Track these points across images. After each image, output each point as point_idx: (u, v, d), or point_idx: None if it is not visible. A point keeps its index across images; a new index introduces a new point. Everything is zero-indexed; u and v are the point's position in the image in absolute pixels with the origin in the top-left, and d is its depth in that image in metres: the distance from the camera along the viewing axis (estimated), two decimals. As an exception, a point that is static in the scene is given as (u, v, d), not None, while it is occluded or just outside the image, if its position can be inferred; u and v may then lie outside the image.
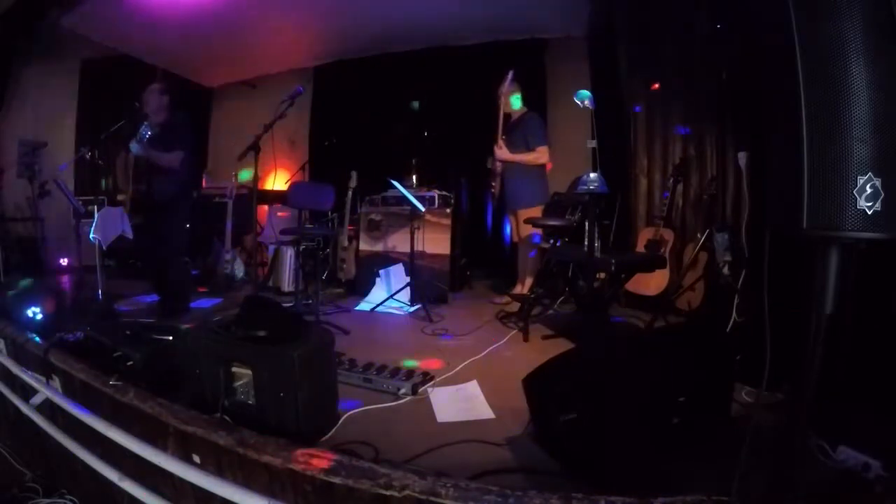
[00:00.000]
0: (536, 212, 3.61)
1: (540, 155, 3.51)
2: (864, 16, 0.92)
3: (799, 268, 1.15)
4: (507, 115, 3.66)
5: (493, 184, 3.82)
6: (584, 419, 1.45)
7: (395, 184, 3.68)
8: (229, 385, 1.66)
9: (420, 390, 2.04)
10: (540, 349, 2.61)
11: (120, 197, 4.15)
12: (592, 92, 2.44)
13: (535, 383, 1.65)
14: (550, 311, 3.33)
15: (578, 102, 2.46)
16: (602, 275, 2.87)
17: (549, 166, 3.64)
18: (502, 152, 3.58)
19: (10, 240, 4.41)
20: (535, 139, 3.51)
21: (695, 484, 1.11)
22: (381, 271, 3.95)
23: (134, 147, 3.10)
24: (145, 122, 3.14)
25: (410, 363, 2.35)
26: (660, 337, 2.34)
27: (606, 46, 4.10)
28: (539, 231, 3.58)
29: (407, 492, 1.13)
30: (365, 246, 4.27)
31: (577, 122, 4.16)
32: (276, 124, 3.02)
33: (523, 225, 3.59)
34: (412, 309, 3.60)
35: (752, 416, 1.57)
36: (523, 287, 3.64)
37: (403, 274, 3.82)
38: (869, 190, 0.92)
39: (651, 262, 2.98)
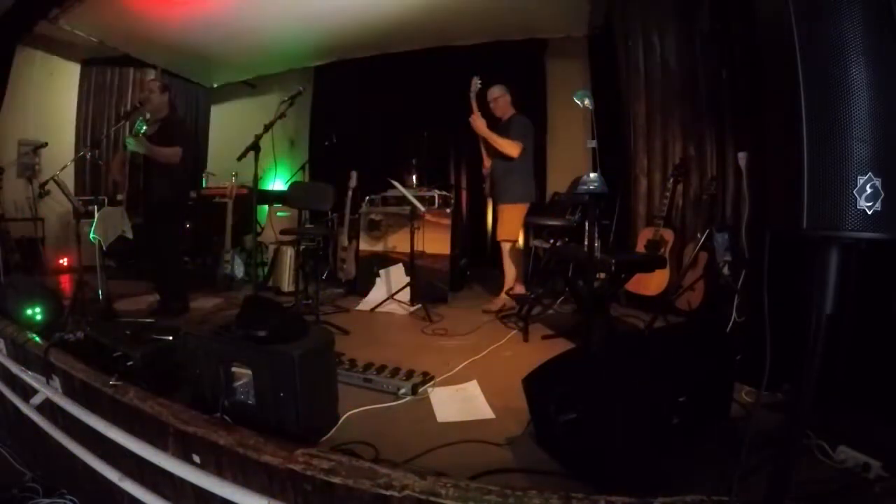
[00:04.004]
0: (520, 210, 3.58)
1: (512, 145, 3.46)
2: (864, 16, 0.92)
3: (799, 268, 1.15)
4: (498, 118, 3.65)
5: (485, 185, 3.84)
6: (584, 419, 1.45)
7: (395, 184, 3.68)
8: (229, 385, 1.66)
9: (420, 390, 2.04)
10: (540, 349, 2.61)
11: (119, 196, 4.15)
12: (592, 92, 2.44)
13: (535, 383, 1.65)
14: (550, 311, 3.33)
15: (578, 102, 2.46)
16: (602, 275, 2.87)
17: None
18: (479, 123, 3.51)
19: (10, 240, 4.41)
20: (517, 135, 3.49)
21: (695, 484, 1.11)
22: (381, 271, 3.95)
23: (130, 142, 3.08)
24: (141, 117, 3.12)
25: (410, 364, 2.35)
26: (660, 337, 2.34)
27: (606, 46, 4.10)
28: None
29: (407, 492, 1.13)
30: (365, 246, 4.27)
31: (577, 122, 4.18)
32: (276, 124, 3.02)
33: (504, 222, 3.58)
34: (412, 309, 3.60)
35: (752, 416, 1.57)
36: (507, 286, 3.63)
37: (403, 274, 3.82)
38: (869, 190, 0.92)
39: (651, 262, 2.98)
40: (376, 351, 2.50)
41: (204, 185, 5.06)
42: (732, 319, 2.68)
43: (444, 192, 4.25)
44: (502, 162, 3.55)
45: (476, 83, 3.51)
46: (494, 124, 3.62)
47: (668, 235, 3.44)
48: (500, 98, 3.64)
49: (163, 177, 3.23)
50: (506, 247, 3.63)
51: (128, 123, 3.36)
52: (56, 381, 2.04)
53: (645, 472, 1.29)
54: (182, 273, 3.44)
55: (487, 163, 3.69)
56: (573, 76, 4.68)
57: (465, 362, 2.41)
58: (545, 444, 1.57)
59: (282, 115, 3.05)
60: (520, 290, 3.60)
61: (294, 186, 4.23)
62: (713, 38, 3.24)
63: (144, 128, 3.10)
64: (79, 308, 2.94)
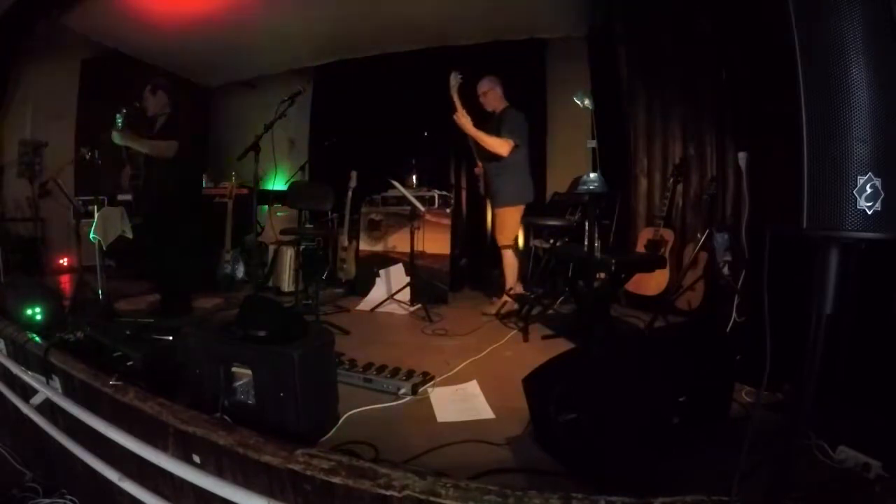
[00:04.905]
0: (517, 212, 3.45)
1: (501, 144, 3.30)
2: (864, 16, 0.92)
3: (799, 268, 1.15)
4: (490, 114, 3.55)
5: (479, 185, 3.80)
6: (584, 419, 1.45)
7: (395, 184, 3.67)
8: (229, 385, 1.66)
9: (420, 390, 2.04)
10: (540, 349, 2.61)
11: (121, 197, 4.15)
12: (592, 92, 2.44)
13: (535, 383, 1.65)
14: (550, 311, 3.33)
15: (578, 102, 2.46)
16: (602, 275, 2.87)
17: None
18: (465, 120, 3.35)
19: (10, 240, 4.41)
20: (508, 132, 3.34)
21: (695, 484, 1.11)
22: (381, 271, 3.95)
23: (116, 137, 3.04)
24: (119, 113, 3.10)
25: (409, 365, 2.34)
26: (660, 337, 2.34)
27: (606, 46, 4.10)
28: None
29: (407, 492, 1.13)
30: (365, 246, 4.27)
31: (577, 122, 4.17)
32: (276, 124, 3.02)
33: (501, 225, 3.48)
34: (412, 309, 3.60)
35: (752, 416, 1.57)
36: (507, 287, 3.59)
37: (403, 274, 3.82)
38: (869, 190, 0.92)
39: (651, 262, 2.98)
40: (376, 351, 2.50)
41: (204, 185, 5.06)
42: (732, 319, 2.68)
43: (444, 192, 4.24)
44: (494, 162, 3.42)
45: (456, 78, 3.36)
46: (487, 120, 3.52)
47: (668, 235, 3.44)
48: (489, 92, 3.51)
49: (162, 174, 3.21)
50: (505, 252, 3.52)
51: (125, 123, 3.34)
52: (56, 381, 2.03)
53: (645, 472, 1.29)
54: (182, 273, 3.43)
55: (460, 122, 3.46)
56: (573, 76, 4.67)
57: (465, 362, 2.41)
58: (545, 444, 1.57)
59: (282, 115, 3.05)
60: (519, 290, 3.58)
61: (294, 186, 4.24)
62: (713, 38, 3.24)
63: (121, 121, 3.05)
64: (79, 308, 2.93)
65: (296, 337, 1.66)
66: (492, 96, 3.54)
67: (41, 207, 4.71)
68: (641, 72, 3.71)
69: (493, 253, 4.40)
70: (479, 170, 3.69)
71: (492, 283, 4.36)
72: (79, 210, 3.42)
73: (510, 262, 3.53)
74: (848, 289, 1.06)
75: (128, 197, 3.79)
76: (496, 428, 1.72)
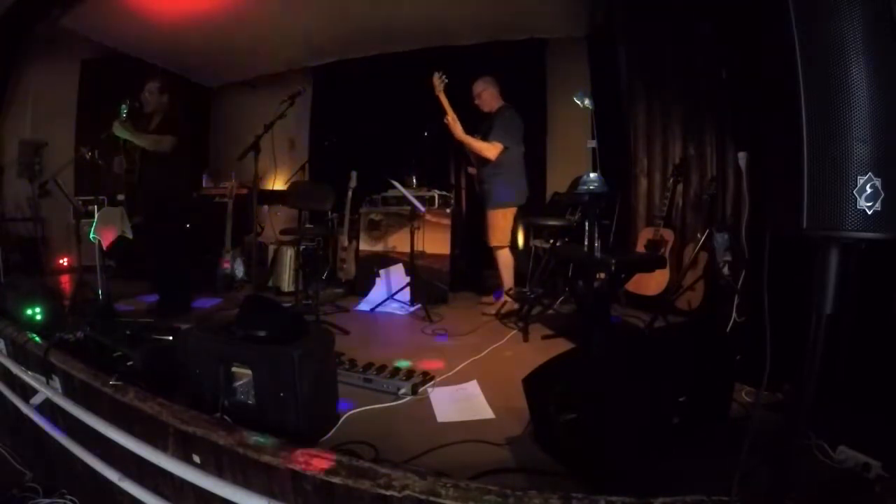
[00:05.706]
0: (509, 213, 3.44)
1: (490, 149, 3.30)
2: (864, 16, 0.92)
3: (799, 268, 1.15)
4: (488, 113, 3.54)
5: (476, 186, 3.79)
6: (584, 419, 1.45)
7: (395, 184, 3.67)
8: (229, 385, 1.66)
9: (420, 390, 2.04)
10: (540, 349, 2.61)
11: (119, 196, 4.16)
12: (592, 92, 2.44)
13: (535, 383, 1.65)
14: (550, 311, 3.33)
15: (578, 102, 2.46)
16: (602, 275, 2.86)
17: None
18: (457, 128, 3.39)
19: (10, 240, 4.41)
20: (496, 133, 3.33)
21: (695, 484, 1.11)
22: (381, 271, 3.95)
23: (117, 128, 3.03)
24: (124, 102, 3.07)
25: (406, 363, 2.34)
26: (660, 337, 2.34)
27: (606, 46, 4.10)
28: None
29: (407, 492, 1.13)
30: (365, 246, 4.27)
31: (577, 122, 4.16)
32: (276, 124, 3.02)
33: (492, 227, 3.46)
34: (412, 309, 3.59)
35: (752, 416, 1.57)
36: (505, 287, 3.56)
37: (403, 274, 3.82)
38: (869, 190, 0.92)
39: (651, 262, 2.98)
40: (376, 351, 2.50)
41: (204, 184, 5.06)
42: (732, 319, 2.68)
43: (444, 192, 4.24)
44: (487, 164, 3.42)
45: (440, 79, 3.34)
46: (485, 120, 3.51)
47: (668, 235, 3.44)
48: (483, 92, 3.50)
49: (161, 173, 3.20)
50: (500, 254, 3.50)
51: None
52: (56, 381, 2.03)
53: (645, 472, 1.29)
54: (182, 273, 3.43)
55: (451, 126, 3.49)
56: (573, 76, 4.67)
57: (465, 362, 2.41)
58: (545, 444, 1.57)
59: (282, 115, 3.05)
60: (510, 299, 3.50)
61: (294, 186, 4.24)
62: (713, 38, 3.24)
63: (125, 111, 3.03)
64: (79, 308, 2.93)
65: (296, 337, 1.66)
66: (486, 97, 3.53)
67: (41, 207, 4.71)
68: (641, 72, 3.71)
69: (492, 253, 4.40)
70: (473, 171, 3.69)
71: (493, 283, 4.36)
72: (79, 210, 3.42)
73: (506, 262, 3.52)
74: (848, 289, 1.06)
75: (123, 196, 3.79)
76: (496, 428, 1.72)
